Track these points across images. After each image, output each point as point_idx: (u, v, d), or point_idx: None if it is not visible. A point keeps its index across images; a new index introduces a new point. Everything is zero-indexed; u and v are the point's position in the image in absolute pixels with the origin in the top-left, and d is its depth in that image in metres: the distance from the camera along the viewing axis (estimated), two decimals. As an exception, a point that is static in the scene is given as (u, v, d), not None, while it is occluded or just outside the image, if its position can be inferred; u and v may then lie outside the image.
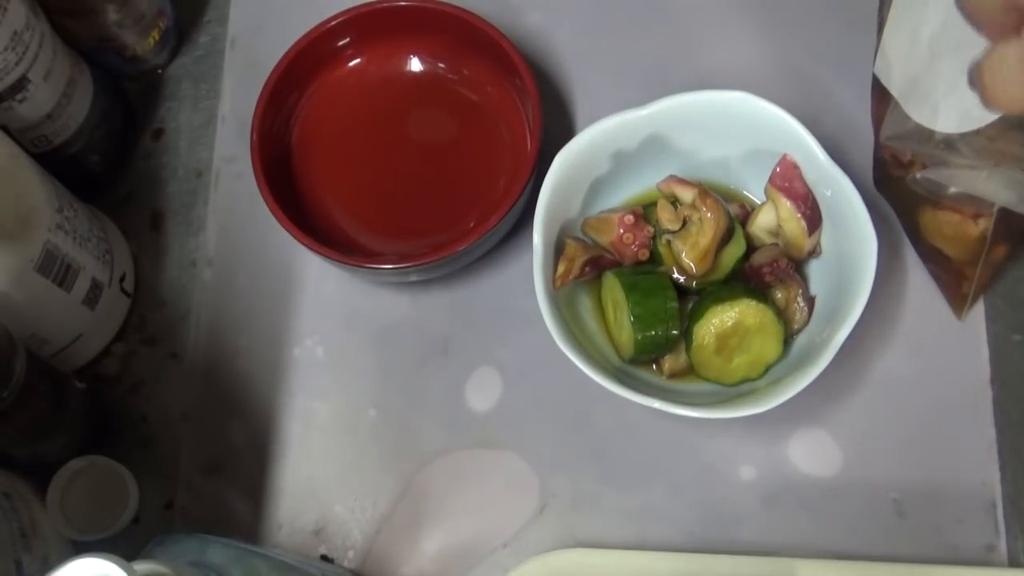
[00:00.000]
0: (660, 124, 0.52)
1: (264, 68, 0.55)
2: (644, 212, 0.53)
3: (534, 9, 0.61)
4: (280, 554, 0.50)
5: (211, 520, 0.54)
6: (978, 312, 0.54)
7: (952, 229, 0.50)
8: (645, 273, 0.51)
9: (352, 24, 0.56)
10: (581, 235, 0.54)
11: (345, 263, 0.52)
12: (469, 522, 0.53)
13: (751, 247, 0.53)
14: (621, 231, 0.52)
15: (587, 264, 0.51)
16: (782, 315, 0.50)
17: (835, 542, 0.51)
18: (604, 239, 0.53)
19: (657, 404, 0.48)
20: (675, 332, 0.50)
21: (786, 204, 0.51)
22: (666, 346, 0.51)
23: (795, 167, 0.51)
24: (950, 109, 0.46)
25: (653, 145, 0.53)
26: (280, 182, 0.55)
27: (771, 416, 0.48)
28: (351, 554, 0.53)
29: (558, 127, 0.59)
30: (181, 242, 0.59)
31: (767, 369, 0.51)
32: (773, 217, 0.52)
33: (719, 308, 0.49)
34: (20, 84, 0.51)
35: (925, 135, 0.47)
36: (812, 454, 0.53)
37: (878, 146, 0.52)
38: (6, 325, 0.44)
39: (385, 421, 0.55)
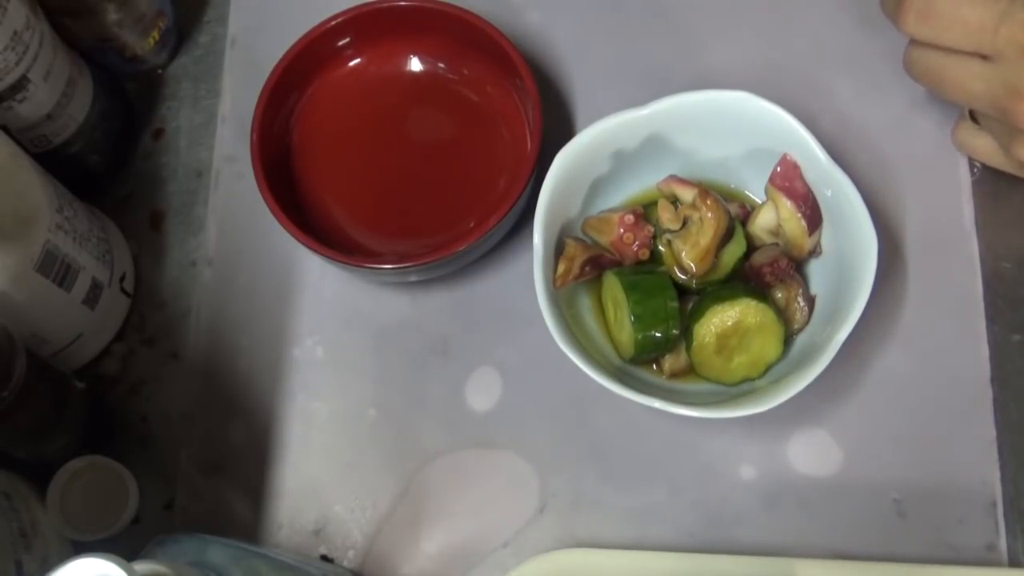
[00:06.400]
0: (660, 124, 0.52)
1: (264, 68, 0.55)
2: (644, 212, 0.53)
3: (534, 9, 0.61)
4: (280, 554, 0.50)
5: (211, 520, 0.54)
6: (978, 312, 0.54)
7: None
8: (645, 273, 0.51)
9: (352, 24, 0.56)
10: (581, 235, 0.54)
11: (345, 263, 0.52)
12: (469, 522, 0.53)
13: (751, 247, 0.53)
14: (621, 231, 0.52)
15: (587, 264, 0.51)
16: (782, 315, 0.50)
17: (835, 542, 0.51)
18: (604, 239, 0.53)
19: (657, 404, 0.48)
20: (675, 332, 0.50)
21: (786, 204, 0.51)
22: (666, 346, 0.51)
23: (795, 167, 0.51)
24: None
25: (653, 145, 0.53)
26: (280, 182, 0.55)
27: (771, 416, 0.48)
28: (351, 554, 0.53)
29: (558, 127, 0.59)
30: (181, 242, 0.59)
31: (767, 369, 0.51)
32: (773, 217, 0.52)
33: (719, 308, 0.49)
34: (20, 84, 0.51)
35: None
36: (812, 454, 0.53)
37: None
38: (6, 325, 0.44)
39: (385, 421, 0.55)
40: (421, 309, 0.57)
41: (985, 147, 0.53)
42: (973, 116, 0.53)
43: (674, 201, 0.52)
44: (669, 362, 0.52)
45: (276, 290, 0.57)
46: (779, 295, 0.51)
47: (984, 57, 0.47)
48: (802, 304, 0.51)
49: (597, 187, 0.54)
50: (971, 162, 0.57)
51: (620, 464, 0.53)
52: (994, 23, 0.46)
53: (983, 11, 0.46)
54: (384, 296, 0.57)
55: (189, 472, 0.55)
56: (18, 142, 0.51)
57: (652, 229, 0.52)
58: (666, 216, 0.52)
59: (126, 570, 0.34)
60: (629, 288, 0.50)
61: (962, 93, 0.49)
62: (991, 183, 0.56)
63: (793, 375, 0.48)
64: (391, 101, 0.58)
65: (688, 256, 0.51)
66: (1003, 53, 0.46)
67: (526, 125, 0.55)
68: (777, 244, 0.53)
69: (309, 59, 0.56)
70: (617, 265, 0.53)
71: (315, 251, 0.52)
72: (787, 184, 0.51)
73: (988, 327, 0.54)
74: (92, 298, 0.54)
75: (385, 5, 0.56)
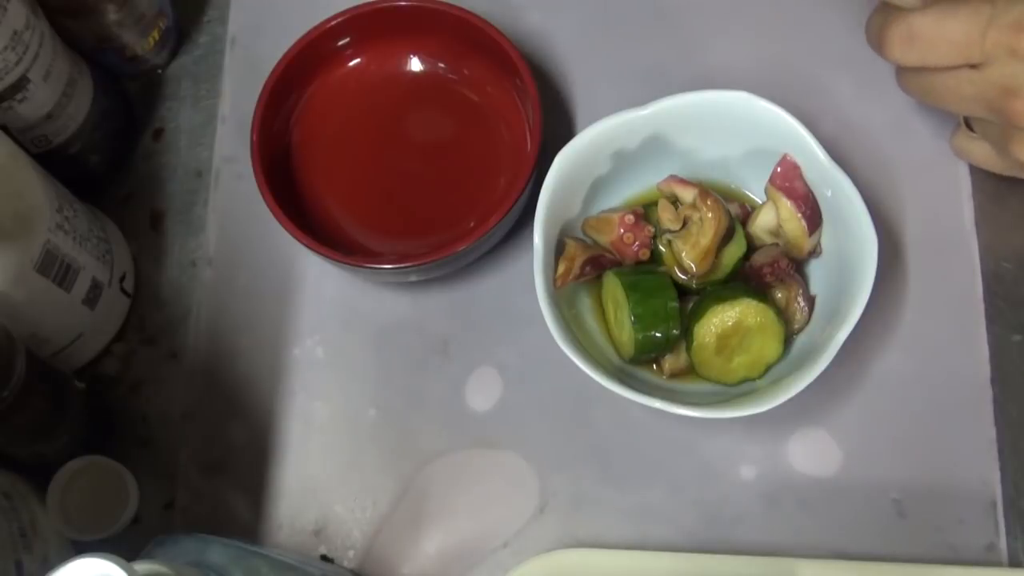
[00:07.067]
0: (660, 124, 0.52)
1: (264, 68, 0.55)
2: (644, 212, 0.53)
3: (534, 9, 0.61)
4: (280, 554, 0.50)
5: (211, 520, 0.54)
6: (978, 312, 0.54)
7: None
8: (646, 273, 0.51)
9: (352, 24, 0.56)
10: (581, 235, 0.54)
11: (345, 263, 0.52)
12: (469, 522, 0.53)
13: (751, 247, 0.53)
14: (622, 231, 0.52)
15: (587, 264, 0.51)
16: (782, 315, 0.50)
17: (835, 542, 0.51)
18: (604, 239, 0.53)
19: (657, 404, 0.48)
20: (676, 332, 0.50)
21: (786, 204, 0.51)
22: (667, 346, 0.51)
23: (796, 167, 0.51)
24: None
25: (653, 145, 0.53)
26: (280, 182, 0.55)
27: (771, 416, 0.48)
28: (351, 554, 0.53)
29: (558, 127, 0.59)
30: (181, 242, 0.59)
31: (767, 369, 0.51)
32: (773, 217, 0.52)
33: (720, 308, 0.49)
34: (20, 84, 0.51)
35: None
36: (812, 454, 0.53)
37: None
38: (6, 325, 0.44)
39: (385, 421, 0.55)
40: (421, 309, 0.57)
41: (982, 153, 0.53)
42: (969, 124, 0.53)
43: (674, 201, 0.52)
44: (669, 362, 0.52)
45: (276, 290, 0.57)
46: (779, 295, 0.51)
47: (974, 66, 0.47)
48: (802, 304, 0.51)
49: (597, 187, 0.54)
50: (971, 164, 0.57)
51: (620, 464, 0.53)
52: (980, 31, 0.46)
53: (967, 22, 0.46)
54: (384, 296, 0.57)
55: (189, 472, 0.55)
56: (18, 142, 0.51)
57: (652, 229, 0.52)
58: (666, 216, 0.52)
59: (126, 570, 0.34)
60: (629, 288, 0.50)
61: (957, 102, 0.49)
62: (991, 183, 0.56)
63: (793, 375, 0.48)
64: (391, 101, 0.58)
65: (688, 256, 0.51)
66: (993, 57, 0.46)
67: (526, 125, 0.55)
68: (777, 244, 0.53)
69: (309, 59, 0.56)
70: (617, 265, 0.53)
71: (315, 251, 0.52)
72: (787, 184, 0.51)
73: (988, 327, 0.54)
74: (92, 298, 0.54)
75: (385, 5, 0.56)
